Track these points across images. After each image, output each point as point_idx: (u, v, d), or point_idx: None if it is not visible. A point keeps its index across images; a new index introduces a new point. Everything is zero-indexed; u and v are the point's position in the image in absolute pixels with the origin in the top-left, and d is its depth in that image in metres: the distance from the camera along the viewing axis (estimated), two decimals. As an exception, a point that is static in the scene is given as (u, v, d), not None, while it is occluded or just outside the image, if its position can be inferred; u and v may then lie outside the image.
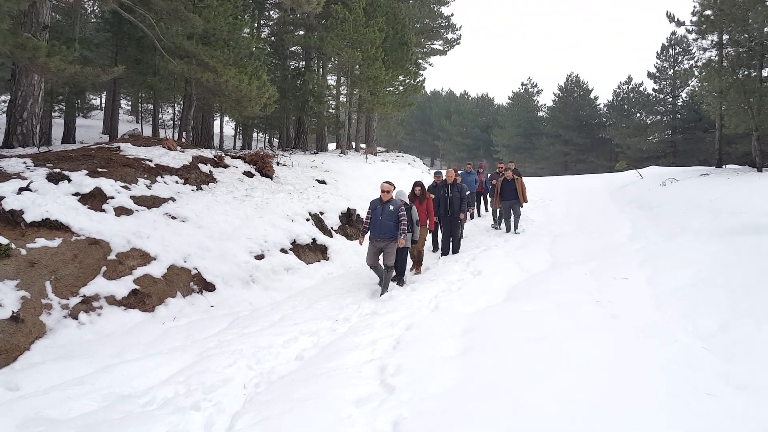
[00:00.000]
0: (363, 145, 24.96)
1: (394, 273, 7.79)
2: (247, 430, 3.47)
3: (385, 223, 7.39)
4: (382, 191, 7.54)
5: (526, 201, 11.60)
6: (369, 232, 7.59)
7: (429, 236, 9.61)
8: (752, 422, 2.92)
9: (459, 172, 12.67)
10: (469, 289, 7.06)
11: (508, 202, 11.41)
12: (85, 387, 4.38)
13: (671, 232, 8.49)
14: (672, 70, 36.21)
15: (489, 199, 14.28)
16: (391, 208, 7.45)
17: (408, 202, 8.01)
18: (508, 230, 11.59)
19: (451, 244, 10.00)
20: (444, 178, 10.19)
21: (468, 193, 11.91)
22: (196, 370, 4.72)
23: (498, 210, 12.32)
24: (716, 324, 4.43)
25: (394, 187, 7.69)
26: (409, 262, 8.97)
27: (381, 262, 7.65)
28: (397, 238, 7.40)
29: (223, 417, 3.85)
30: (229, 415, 3.87)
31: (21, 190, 6.98)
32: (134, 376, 4.66)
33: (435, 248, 10.55)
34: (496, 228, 12.49)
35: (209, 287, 7.51)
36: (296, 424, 3.43)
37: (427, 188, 9.67)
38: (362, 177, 15.70)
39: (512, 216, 11.57)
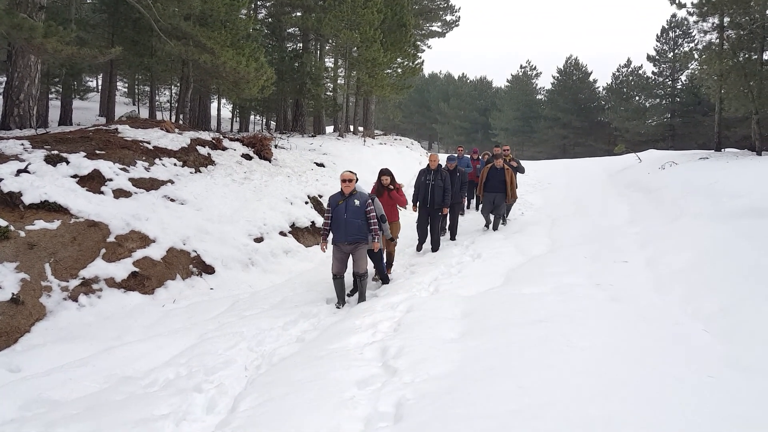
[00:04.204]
0: (361, 129, 24.83)
1: (368, 279, 6.64)
2: (250, 411, 3.48)
3: (352, 222, 6.12)
4: (343, 181, 6.23)
5: (515, 197, 10.09)
6: (332, 235, 6.34)
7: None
8: (754, 404, 2.93)
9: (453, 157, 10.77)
10: (469, 272, 7.08)
11: (492, 194, 9.75)
12: (87, 369, 4.40)
13: (671, 216, 8.49)
14: (672, 53, 36.03)
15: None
16: (357, 203, 6.18)
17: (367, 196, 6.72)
18: (487, 226, 10.01)
19: (429, 237, 8.89)
20: (456, 163, 9.48)
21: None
22: (197, 352, 4.74)
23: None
24: (717, 306, 4.45)
25: (357, 178, 6.45)
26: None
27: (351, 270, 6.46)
28: (368, 240, 6.29)
29: (225, 399, 3.87)
30: (231, 397, 3.88)
31: (19, 171, 6.92)
32: (135, 357, 4.67)
33: (419, 246, 9.06)
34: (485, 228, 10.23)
35: (209, 270, 7.50)
36: (299, 405, 3.45)
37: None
38: (360, 160, 15.65)
39: (494, 212, 9.95)
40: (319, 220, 10.18)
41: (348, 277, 6.65)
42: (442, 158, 9.90)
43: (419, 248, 9.01)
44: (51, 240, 6.23)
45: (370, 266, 7.09)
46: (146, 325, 5.75)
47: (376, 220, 6.29)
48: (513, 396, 3.23)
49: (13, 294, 5.34)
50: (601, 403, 3.03)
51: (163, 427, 3.34)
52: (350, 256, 6.31)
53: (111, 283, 6.37)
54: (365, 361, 4.14)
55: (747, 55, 15.69)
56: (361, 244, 6.23)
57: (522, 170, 11.47)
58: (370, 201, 6.33)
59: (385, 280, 7.17)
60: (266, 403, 3.57)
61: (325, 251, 6.63)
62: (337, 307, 6.18)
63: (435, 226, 8.77)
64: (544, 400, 3.13)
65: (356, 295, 6.52)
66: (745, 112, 15.96)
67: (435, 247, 8.80)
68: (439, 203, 8.54)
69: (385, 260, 7.33)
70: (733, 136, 25.94)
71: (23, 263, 5.74)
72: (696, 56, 19.14)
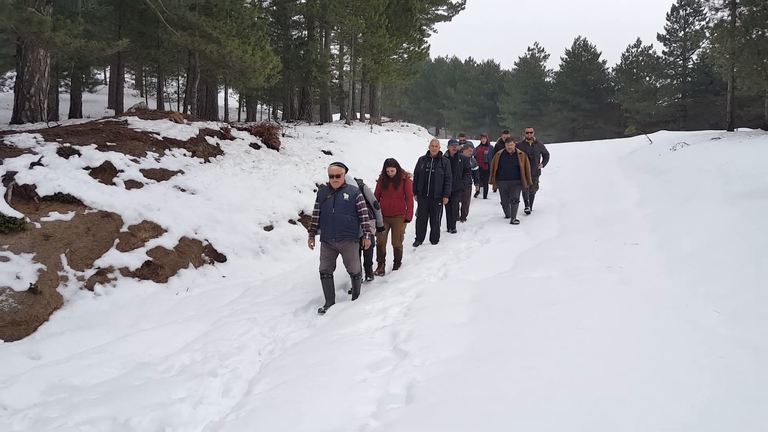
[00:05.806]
0: (367, 116, 24.77)
1: (363, 278, 6.42)
2: (265, 394, 3.57)
3: (341, 218, 5.66)
4: (331, 176, 5.73)
5: (529, 183, 9.26)
6: (321, 231, 5.85)
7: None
8: (764, 384, 2.95)
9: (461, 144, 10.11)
10: (478, 257, 7.10)
11: (506, 182, 9.13)
12: (105, 355, 4.51)
13: (682, 197, 8.42)
14: (683, 32, 35.41)
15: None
16: (346, 196, 5.72)
17: (356, 185, 6.13)
18: (507, 216, 9.39)
19: (429, 229, 8.31)
20: (458, 148, 9.23)
21: (476, 168, 10.59)
22: (211, 338, 4.84)
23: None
24: (727, 288, 4.43)
25: (346, 170, 5.90)
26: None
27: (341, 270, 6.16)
28: (358, 236, 5.86)
29: (239, 383, 3.96)
30: (246, 381, 3.98)
31: (33, 164, 7.02)
32: (152, 344, 4.78)
33: (417, 242, 8.37)
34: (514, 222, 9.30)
35: (220, 258, 7.60)
36: (313, 388, 3.52)
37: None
38: (367, 147, 15.66)
39: (511, 201, 9.30)
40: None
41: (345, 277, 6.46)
42: (443, 144, 9.33)
43: (416, 244, 8.29)
44: (66, 231, 6.34)
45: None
46: (161, 313, 5.86)
47: (367, 215, 5.86)
48: (522, 378, 3.27)
49: (31, 284, 5.46)
50: (610, 385, 3.06)
51: (180, 410, 3.43)
52: (340, 255, 5.88)
53: (125, 272, 6.48)
54: (376, 345, 4.21)
55: (760, 32, 15.42)
56: (351, 241, 5.80)
57: (547, 156, 10.37)
58: (360, 195, 5.88)
59: (369, 275, 6.81)
60: (280, 386, 3.65)
61: (313, 248, 6.07)
62: (321, 312, 5.65)
63: (435, 217, 8.24)
64: (553, 382, 3.16)
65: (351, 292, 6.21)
66: (759, 91, 15.75)
67: (434, 240, 8.30)
68: (440, 192, 8.08)
69: (375, 254, 7.04)
70: (746, 116, 25.60)
71: (40, 254, 5.85)
72: (707, 34, 18.89)
